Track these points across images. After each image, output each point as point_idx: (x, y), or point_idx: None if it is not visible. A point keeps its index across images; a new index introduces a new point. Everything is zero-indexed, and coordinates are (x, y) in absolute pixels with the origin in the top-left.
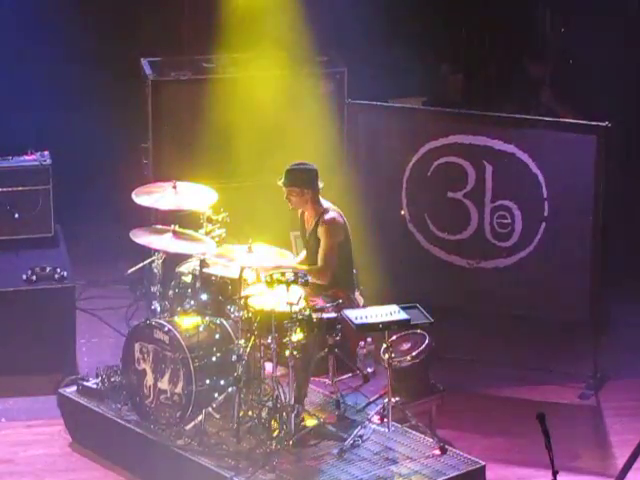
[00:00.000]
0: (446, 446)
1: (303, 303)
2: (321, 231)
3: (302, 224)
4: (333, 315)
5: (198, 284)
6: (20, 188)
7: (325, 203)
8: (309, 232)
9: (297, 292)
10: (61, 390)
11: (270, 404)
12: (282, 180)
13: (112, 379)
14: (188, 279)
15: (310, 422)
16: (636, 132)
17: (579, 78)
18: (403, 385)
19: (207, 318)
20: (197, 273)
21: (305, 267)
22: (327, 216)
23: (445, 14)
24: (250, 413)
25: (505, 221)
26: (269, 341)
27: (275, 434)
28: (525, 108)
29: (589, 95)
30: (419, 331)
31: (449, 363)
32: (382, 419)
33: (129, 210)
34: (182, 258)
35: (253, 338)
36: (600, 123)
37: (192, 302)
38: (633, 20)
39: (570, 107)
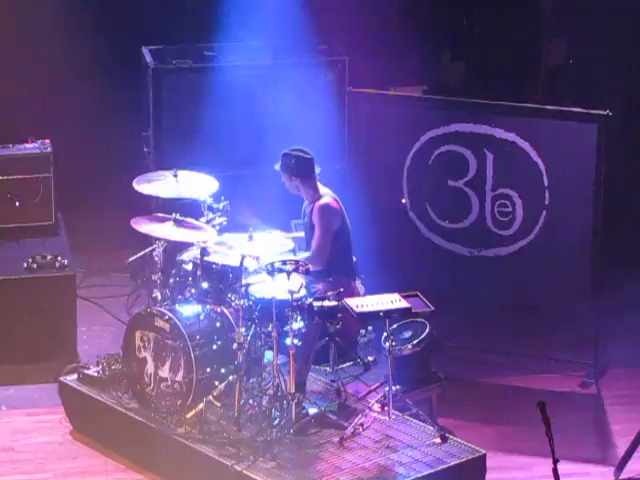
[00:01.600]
0: (447, 434)
1: (304, 291)
2: (314, 217)
3: (304, 211)
4: (334, 303)
5: (199, 272)
6: (21, 176)
7: (323, 189)
8: (307, 218)
9: (298, 280)
10: (62, 378)
11: (271, 392)
12: (278, 163)
13: (113, 367)
14: (189, 267)
15: (311, 410)
16: (637, 120)
17: (580, 68)
18: (404, 373)
19: (208, 306)
20: (198, 261)
21: (300, 255)
22: (320, 202)
23: (446, 1)
24: (251, 401)
25: (506, 209)
26: (270, 329)
27: (276, 422)
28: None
29: (590, 83)
30: (420, 319)
31: (450, 351)
32: (383, 407)
33: (130, 198)
34: (183, 246)
35: (254, 326)
36: (601, 111)
37: (193, 290)
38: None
39: None
